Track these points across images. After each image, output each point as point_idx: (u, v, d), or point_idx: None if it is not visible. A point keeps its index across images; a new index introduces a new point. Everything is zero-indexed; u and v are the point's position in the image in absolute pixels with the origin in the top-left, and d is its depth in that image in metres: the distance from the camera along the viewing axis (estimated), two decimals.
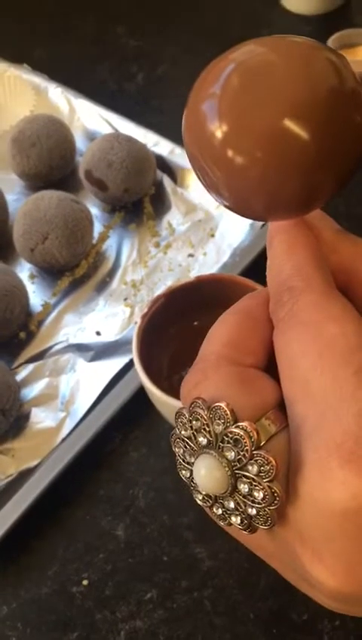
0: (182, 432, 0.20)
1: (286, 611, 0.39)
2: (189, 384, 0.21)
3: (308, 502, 0.18)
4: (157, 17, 0.72)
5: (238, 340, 0.21)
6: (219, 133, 0.19)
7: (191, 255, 0.54)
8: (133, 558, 0.42)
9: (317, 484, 0.18)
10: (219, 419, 0.19)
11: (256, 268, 0.51)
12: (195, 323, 0.45)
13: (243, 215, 0.22)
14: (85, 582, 0.42)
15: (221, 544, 0.42)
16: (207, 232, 0.55)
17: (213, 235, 0.55)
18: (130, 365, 0.47)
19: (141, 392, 0.44)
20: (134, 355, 0.41)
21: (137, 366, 0.41)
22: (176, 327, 0.44)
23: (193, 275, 0.52)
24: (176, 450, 0.21)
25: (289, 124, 0.18)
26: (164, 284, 0.52)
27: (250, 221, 0.54)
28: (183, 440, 0.20)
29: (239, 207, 0.21)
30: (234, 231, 0.54)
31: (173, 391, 0.43)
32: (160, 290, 0.51)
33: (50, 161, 0.56)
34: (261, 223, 0.53)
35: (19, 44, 0.71)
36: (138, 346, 0.41)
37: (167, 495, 0.44)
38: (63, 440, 0.45)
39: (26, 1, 0.77)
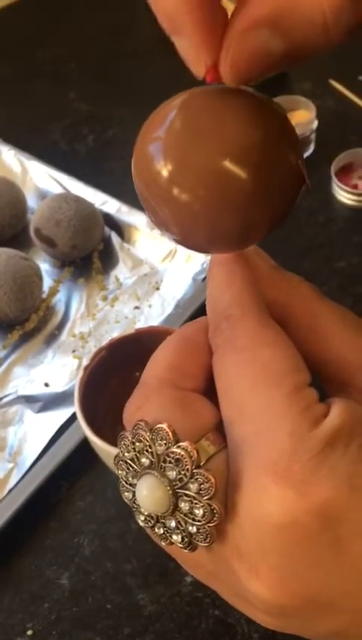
0: (125, 454, 0.21)
1: None
2: (132, 407, 0.22)
3: (245, 517, 0.19)
4: (106, 83, 0.76)
5: (179, 364, 0.22)
6: (164, 173, 0.20)
7: (137, 307, 0.57)
8: (77, 607, 0.43)
9: (253, 500, 0.19)
10: (161, 440, 0.20)
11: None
12: (137, 374, 0.46)
13: (189, 248, 0.23)
14: (30, 632, 0.42)
15: (163, 589, 0.43)
16: (152, 286, 0.58)
17: (158, 288, 0.57)
18: (76, 415, 0.49)
19: (87, 441, 0.46)
20: (76, 406, 0.43)
21: (79, 417, 0.43)
22: (117, 378, 0.46)
23: (139, 326, 0.55)
24: (120, 472, 0.21)
25: (227, 164, 0.20)
26: (110, 335, 0.55)
27: (192, 275, 0.57)
28: (126, 462, 0.21)
29: (185, 241, 0.22)
30: (177, 284, 0.57)
31: (116, 441, 0.44)
32: (107, 341, 0.53)
33: (2, 220, 0.58)
34: (203, 276, 0.56)
35: None
36: (80, 397, 0.43)
37: (112, 542, 0.45)
38: (10, 491, 0.46)
39: None
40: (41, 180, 0.64)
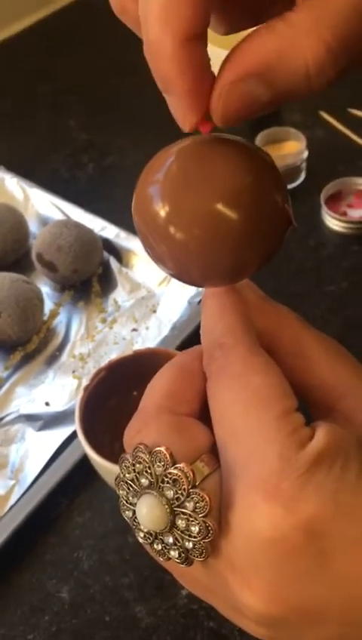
0: (126, 475, 0.22)
1: None
2: (132, 431, 0.24)
3: (237, 533, 0.21)
4: (105, 113, 0.79)
5: (175, 391, 0.24)
6: (162, 213, 0.22)
7: (134, 329, 0.59)
8: (76, 619, 0.45)
9: (244, 517, 0.20)
10: (159, 461, 0.21)
11: (194, 341, 0.56)
12: (134, 393, 0.49)
13: (184, 282, 0.25)
14: None
15: (159, 602, 0.45)
16: (149, 308, 0.60)
17: (154, 311, 0.60)
18: (76, 433, 0.51)
19: (86, 459, 0.47)
20: (77, 425, 0.45)
21: (80, 435, 0.45)
22: (116, 397, 0.48)
23: (137, 347, 0.57)
24: (120, 492, 0.23)
25: (219, 207, 0.22)
26: (109, 356, 0.57)
27: (187, 298, 0.59)
28: (126, 482, 0.23)
29: (181, 275, 0.24)
30: (173, 307, 0.59)
31: (115, 458, 0.46)
32: (106, 362, 0.55)
33: (5, 245, 0.61)
34: (198, 300, 0.58)
35: None
36: (80, 416, 0.45)
37: (110, 557, 0.47)
38: (11, 508, 0.48)
39: None
40: (43, 207, 0.66)
